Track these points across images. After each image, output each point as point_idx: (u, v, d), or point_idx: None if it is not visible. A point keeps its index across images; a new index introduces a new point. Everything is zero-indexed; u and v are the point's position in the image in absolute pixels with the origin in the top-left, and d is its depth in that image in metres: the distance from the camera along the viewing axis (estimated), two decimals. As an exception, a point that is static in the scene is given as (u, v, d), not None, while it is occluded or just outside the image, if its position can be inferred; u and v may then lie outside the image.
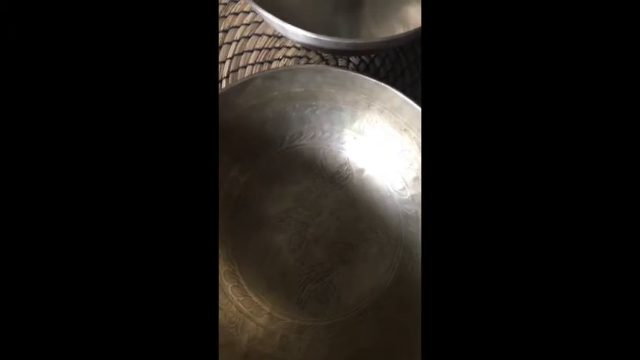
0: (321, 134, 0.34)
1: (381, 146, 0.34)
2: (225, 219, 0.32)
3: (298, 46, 0.39)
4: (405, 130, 0.31)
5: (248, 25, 0.38)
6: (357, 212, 0.34)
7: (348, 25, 0.37)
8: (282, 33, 0.30)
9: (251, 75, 0.30)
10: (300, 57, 0.38)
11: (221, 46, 0.38)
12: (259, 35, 0.38)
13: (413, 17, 0.36)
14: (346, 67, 0.37)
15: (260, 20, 0.38)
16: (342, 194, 0.34)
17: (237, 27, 0.40)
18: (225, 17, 0.40)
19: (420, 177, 0.31)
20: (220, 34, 0.38)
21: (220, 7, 0.40)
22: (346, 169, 0.34)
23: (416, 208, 0.32)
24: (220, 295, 0.30)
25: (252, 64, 0.38)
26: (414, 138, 0.31)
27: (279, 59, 0.38)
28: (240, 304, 0.32)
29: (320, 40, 0.27)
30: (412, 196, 0.32)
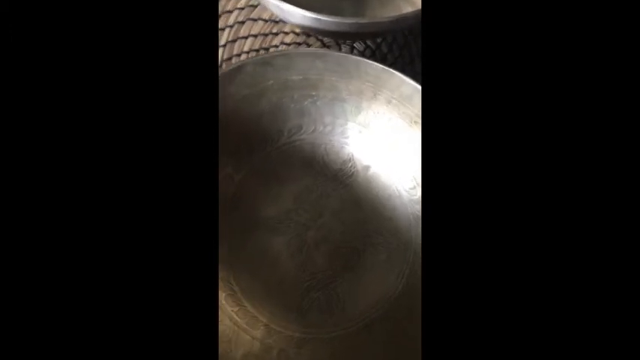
0: (323, 128, 0.32)
1: (388, 140, 0.32)
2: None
3: (297, 31, 0.37)
4: (415, 122, 0.30)
5: (242, 9, 0.37)
6: (363, 213, 0.32)
7: (351, 7, 0.35)
8: (280, 15, 0.29)
9: (241, 61, 0.27)
10: (300, 43, 0.36)
11: (213, 32, 0.35)
12: (255, 20, 0.36)
13: (421, -4, 0.34)
14: (350, 53, 0.35)
15: (255, 4, 0.37)
16: (345, 194, 0.32)
17: (231, 11, 0.38)
18: (218, 0, 0.37)
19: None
20: (212, 19, 0.35)
21: (212, -10, 0.37)
22: (350, 166, 0.33)
23: (427, 209, 0.30)
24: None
25: (248, 52, 0.36)
26: (426, 131, 0.29)
27: (277, 46, 0.36)
28: (235, 315, 0.30)
29: (320, 20, 0.25)
30: (423, 195, 0.31)
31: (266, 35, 0.37)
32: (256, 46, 0.36)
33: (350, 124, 0.33)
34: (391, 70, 0.26)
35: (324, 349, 0.30)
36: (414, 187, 0.32)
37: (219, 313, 0.29)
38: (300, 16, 0.26)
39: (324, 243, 0.32)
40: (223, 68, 0.35)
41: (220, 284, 0.30)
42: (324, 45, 0.37)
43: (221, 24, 0.38)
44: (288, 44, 0.37)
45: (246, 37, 0.37)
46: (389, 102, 0.30)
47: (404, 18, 0.26)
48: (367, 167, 0.33)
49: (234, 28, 0.38)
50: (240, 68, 0.27)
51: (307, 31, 0.36)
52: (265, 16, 0.38)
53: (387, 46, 0.37)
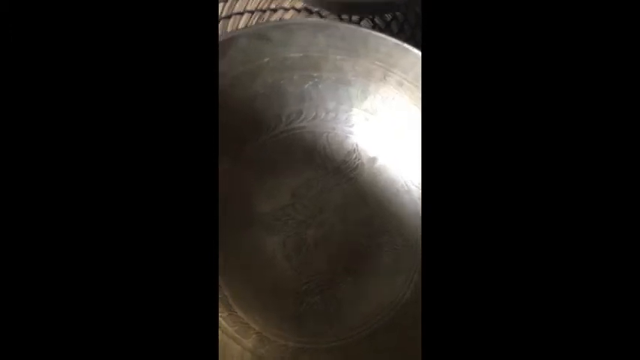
0: (325, 115, 0.31)
1: (397, 129, 0.30)
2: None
3: (298, 7, 0.35)
4: (428, 109, 0.27)
5: (237, -18, 0.36)
6: (368, 210, 0.31)
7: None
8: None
9: (233, 32, 0.24)
10: (301, 21, 0.35)
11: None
12: (251, -6, 0.35)
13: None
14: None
15: (252, -25, 0.35)
16: (349, 188, 0.31)
17: (225, -16, 0.35)
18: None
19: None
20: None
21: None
22: (355, 158, 0.31)
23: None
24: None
25: (243, 30, 0.35)
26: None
27: (275, 24, 0.34)
28: (224, 322, 0.28)
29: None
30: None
31: (263, 12, 0.35)
32: (252, 24, 0.35)
33: (355, 111, 0.31)
34: (405, 45, 0.24)
35: (322, 360, 0.29)
36: (426, 182, 0.30)
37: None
38: (300, -17, 0.24)
39: (324, 243, 0.30)
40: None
41: (208, 287, 0.28)
42: (327, 23, 0.35)
43: (213, -2, 0.35)
44: (288, 22, 0.35)
45: (241, 13, 0.35)
46: (400, 84, 0.28)
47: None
48: (373, 159, 0.31)
49: (227, 3, 0.35)
50: (231, 41, 0.25)
51: (309, 7, 0.34)
52: (263, -11, 0.35)
53: (398, 25, 0.34)
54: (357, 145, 0.31)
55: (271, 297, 0.30)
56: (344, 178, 0.31)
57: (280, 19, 0.35)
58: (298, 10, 0.35)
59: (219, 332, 0.28)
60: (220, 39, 0.25)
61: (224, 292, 0.29)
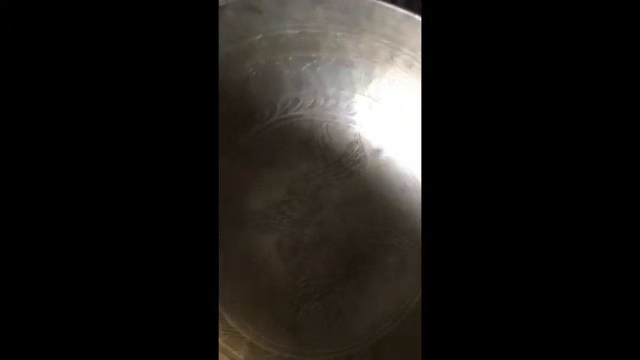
0: (324, 101, 0.30)
1: (405, 118, 0.29)
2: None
3: None
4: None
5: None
6: (372, 208, 0.30)
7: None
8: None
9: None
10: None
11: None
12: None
13: None
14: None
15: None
16: (351, 183, 0.30)
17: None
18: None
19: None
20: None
21: None
22: (357, 150, 0.30)
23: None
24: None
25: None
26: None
27: None
28: None
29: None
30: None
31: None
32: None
33: (358, 97, 0.30)
34: (417, 17, 0.23)
35: (321, 373, 0.28)
36: (436, 177, 0.28)
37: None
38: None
39: (323, 243, 0.29)
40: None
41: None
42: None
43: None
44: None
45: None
46: (409, 66, 0.27)
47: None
48: (378, 151, 0.30)
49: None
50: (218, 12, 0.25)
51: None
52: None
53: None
54: (359, 135, 0.30)
55: (265, 303, 0.29)
56: (345, 172, 0.30)
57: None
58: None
59: (207, 343, 0.27)
60: (204, 11, 0.24)
61: (213, 298, 0.28)
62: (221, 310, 0.28)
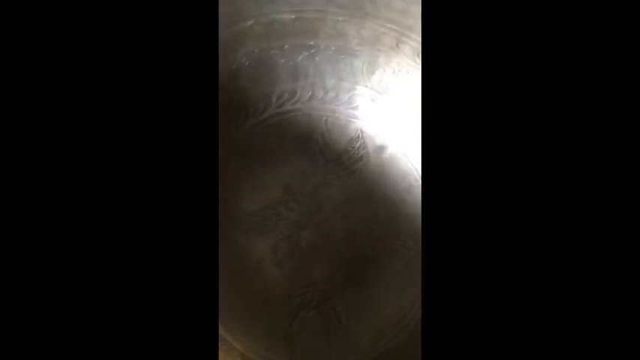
0: (323, 94, 0.29)
1: (412, 112, 0.28)
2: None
3: None
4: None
5: None
6: (374, 209, 0.29)
7: None
8: None
9: None
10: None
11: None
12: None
13: None
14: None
15: None
16: (352, 183, 0.29)
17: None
18: None
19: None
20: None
21: None
22: (359, 147, 0.29)
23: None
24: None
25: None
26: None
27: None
28: None
29: None
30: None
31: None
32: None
33: (360, 89, 0.29)
34: None
35: (319, 389, 0.27)
36: (444, 176, 0.28)
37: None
38: None
39: (322, 247, 0.29)
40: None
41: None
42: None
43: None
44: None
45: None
46: (418, 54, 0.27)
47: None
48: (381, 148, 0.30)
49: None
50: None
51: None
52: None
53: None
54: (361, 130, 0.30)
55: (259, 311, 0.28)
56: (346, 170, 0.30)
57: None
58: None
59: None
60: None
61: (203, 305, 0.27)
62: (211, 318, 0.27)
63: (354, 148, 0.29)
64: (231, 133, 0.28)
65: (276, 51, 0.27)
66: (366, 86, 0.29)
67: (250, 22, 0.26)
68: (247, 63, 0.27)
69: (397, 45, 0.27)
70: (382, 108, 0.29)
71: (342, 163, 0.29)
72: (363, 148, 0.29)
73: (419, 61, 0.27)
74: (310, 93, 0.29)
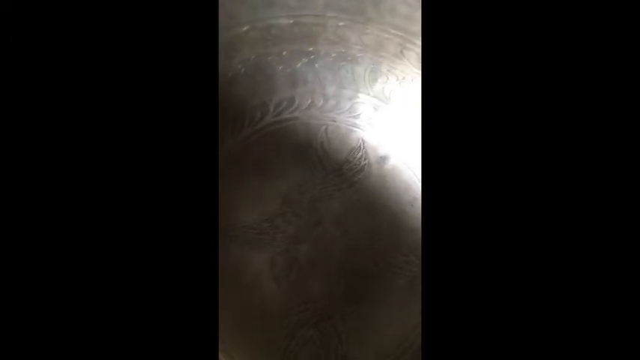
0: (323, 102, 0.29)
1: (415, 121, 0.28)
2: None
3: None
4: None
5: None
6: (376, 223, 0.29)
7: None
8: None
9: None
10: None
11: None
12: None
13: None
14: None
15: None
16: (353, 194, 0.29)
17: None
18: None
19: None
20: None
21: None
22: (360, 157, 0.29)
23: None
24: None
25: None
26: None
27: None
28: None
29: None
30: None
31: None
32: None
33: (362, 97, 0.29)
34: None
35: (318, 412, 0.27)
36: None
37: None
38: None
39: (321, 262, 0.28)
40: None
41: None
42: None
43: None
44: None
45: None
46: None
47: None
48: (384, 159, 0.29)
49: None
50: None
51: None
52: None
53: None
54: (363, 140, 0.29)
55: (255, 329, 0.27)
56: (346, 182, 0.29)
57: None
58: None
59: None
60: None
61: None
62: (205, 337, 0.27)
63: (355, 158, 0.29)
64: (227, 143, 0.28)
65: (274, 57, 0.27)
66: (369, 94, 0.29)
67: (246, 28, 0.26)
68: (243, 70, 0.27)
69: (401, 51, 0.26)
70: (385, 117, 0.29)
71: (342, 174, 0.29)
72: (365, 159, 0.29)
73: (424, 69, 0.27)
74: (309, 101, 0.28)
